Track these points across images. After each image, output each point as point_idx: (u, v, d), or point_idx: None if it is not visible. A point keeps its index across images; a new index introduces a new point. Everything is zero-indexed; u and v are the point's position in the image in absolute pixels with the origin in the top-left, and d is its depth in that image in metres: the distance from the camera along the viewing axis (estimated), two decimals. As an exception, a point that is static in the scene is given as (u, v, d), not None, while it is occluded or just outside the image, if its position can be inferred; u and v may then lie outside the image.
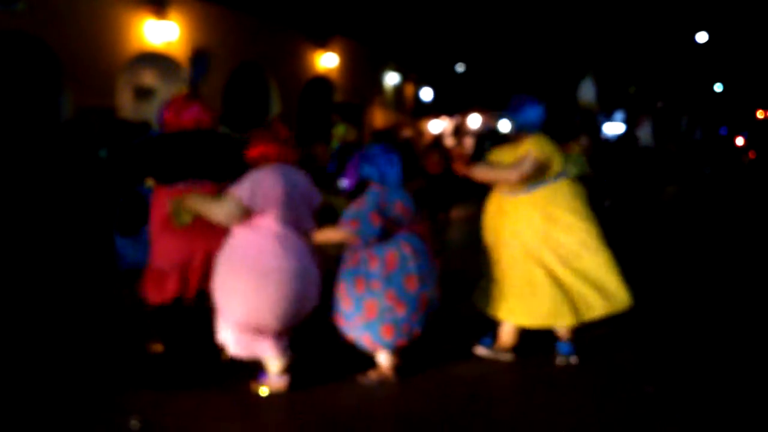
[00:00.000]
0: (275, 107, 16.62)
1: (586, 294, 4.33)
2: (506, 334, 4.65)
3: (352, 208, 4.07)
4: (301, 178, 4.13)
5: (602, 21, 20.64)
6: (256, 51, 15.79)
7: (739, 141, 23.45)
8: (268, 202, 3.84)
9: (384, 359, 4.20)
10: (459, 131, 24.64)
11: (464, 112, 24.67)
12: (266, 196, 3.84)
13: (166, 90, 14.54)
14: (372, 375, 4.24)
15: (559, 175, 4.55)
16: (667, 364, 4.56)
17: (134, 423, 3.45)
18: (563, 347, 4.57)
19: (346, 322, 4.12)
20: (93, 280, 6.09)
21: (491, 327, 4.72)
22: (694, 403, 3.85)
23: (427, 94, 23.75)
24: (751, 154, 22.24)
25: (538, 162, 4.41)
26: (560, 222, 4.39)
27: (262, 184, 3.85)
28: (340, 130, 7.12)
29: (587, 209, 4.56)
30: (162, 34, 13.14)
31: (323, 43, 18.08)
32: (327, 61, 18.15)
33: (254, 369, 4.08)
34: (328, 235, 4.11)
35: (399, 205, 4.11)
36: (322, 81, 18.42)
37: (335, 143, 7.28)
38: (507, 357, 4.65)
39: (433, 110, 24.25)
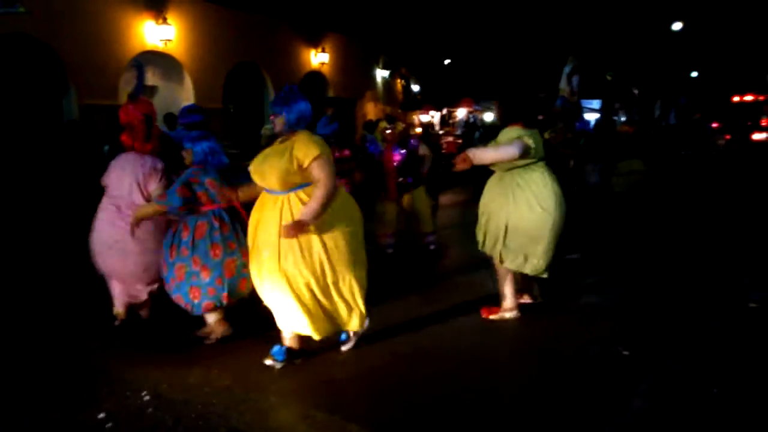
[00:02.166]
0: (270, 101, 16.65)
1: None
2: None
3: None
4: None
5: (582, 10, 20.70)
6: (252, 49, 15.78)
7: (714, 125, 23.71)
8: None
9: (210, 318, 4.48)
10: (447, 122, 24.68)
11: (452, 104, 24.71)
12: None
13: (166, 88, 14.57)
14: (199, 332, 4.53)
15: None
16: (643, 330, 4.68)
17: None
18: None
19: (166, 284, 4.41)
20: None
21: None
22: (664, 363, 4.09)
23: (415, 87, 23.78)
24: (726, 137, 22.50)
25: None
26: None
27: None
28: (382, 125, 7.79)
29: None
30: (161, 34, 13.15)
31: (316, 41, 18.09)
32: (320, 58, 18.17)
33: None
34: (145, 210, 4.43)
35: (211, 183, 4.37)
36: (316, 76, 18.44)
37: (378, 136, 8.23)
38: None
39: (422, 103, 24.28)
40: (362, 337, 4.34)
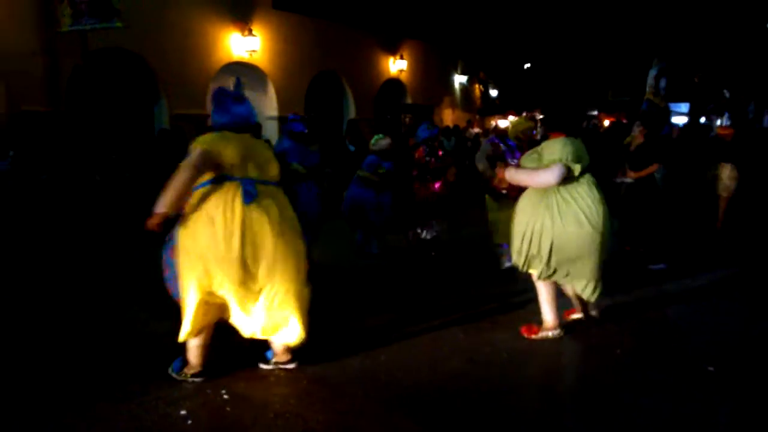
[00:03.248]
0: (350, 112, 16.84)
1: None
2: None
3: None
4: None
5: (669, 10, 19.90)
6: (332, 58, 16.02)
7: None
8: None
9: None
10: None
11: (531, 109, 24.27)
12: None
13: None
14: None
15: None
16: (729, 345, 4.43)
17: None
18: None
19: (170, 286, 3.84)
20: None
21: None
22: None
23: (493, 91, 23.49)
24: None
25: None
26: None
27: None
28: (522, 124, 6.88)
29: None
30: (246, 45, 13.53)
31: (394, 48, 18.17)
32: (398, 65, 18.25)
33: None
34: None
35: None
36: (394, 83, 18.52)
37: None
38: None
39: (503, 108, 23.95)
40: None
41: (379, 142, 7.55)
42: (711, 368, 4.03)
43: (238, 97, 3.90)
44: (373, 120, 17.12)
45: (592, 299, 4.53)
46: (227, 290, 3.64)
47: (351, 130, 12.37)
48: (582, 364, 4.32)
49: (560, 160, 4.29)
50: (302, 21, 14.99)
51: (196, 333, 3.79)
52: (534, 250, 4.41)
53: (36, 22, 10.08)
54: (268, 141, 7.13)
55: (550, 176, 4.29)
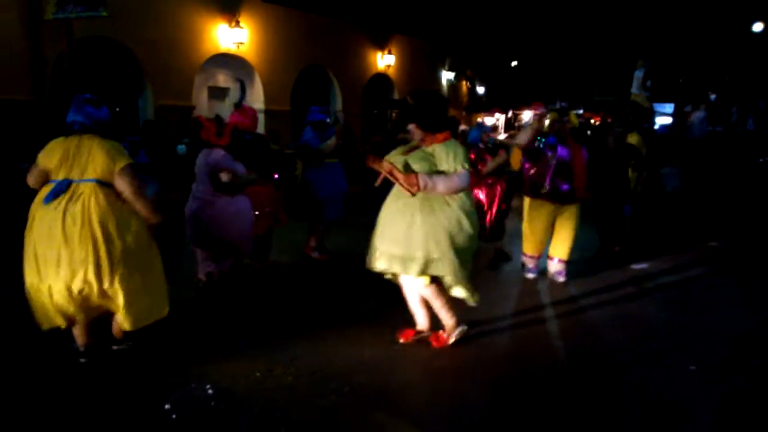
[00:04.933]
0: (338, 106, 16.82)
1: None
2: None
3: None
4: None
5: (655, 11, 20.03)
6: (320, 52, 15.96)
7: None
8: None
9: None
10: (512, 125, 24.37)
11: (518, 106, 24.39)
12: None
13: (237, 90, 14.91)
14: None
15: None
16: (709, 345, 4.49)
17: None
18: None
19: None
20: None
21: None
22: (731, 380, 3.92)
23: (480, 89, 23.56)
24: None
25: None
26: None
27: None
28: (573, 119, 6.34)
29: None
30: (234, 37, 13.45)
31: (383, 43, 18.16)
32: (386, 60, 18.24)
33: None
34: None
35: None
36: (382, 78, 18.51)
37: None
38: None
39: (489, 105, 24.05)
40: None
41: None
42: (693, 367, 4.08)
43: (90, 100, 4.05)
44: (359, 115, 17.11)
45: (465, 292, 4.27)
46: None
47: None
48: (565, 363, 4.34)
49: (464, 166, 4.01)
50: (291, 13, 14.91)
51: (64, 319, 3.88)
52: (435, 254, 4.02)
53: (20, 9, 9.95)
54: (261, 135, 7.14)
55: (464, 183, 4.01)
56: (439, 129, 4.09)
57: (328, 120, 6.77)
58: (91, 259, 3.67)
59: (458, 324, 4.38)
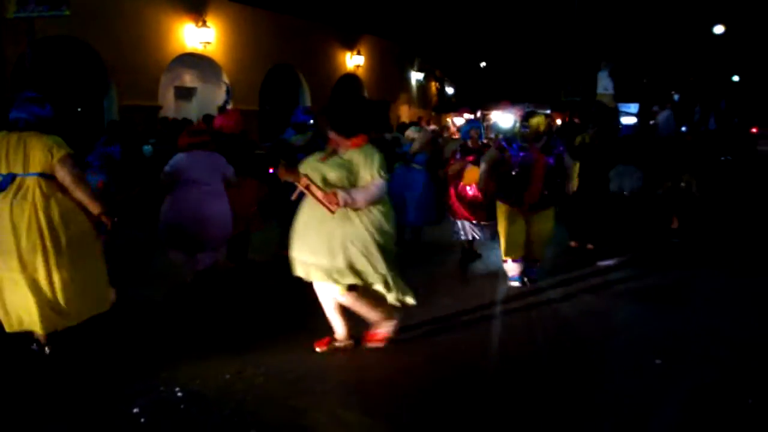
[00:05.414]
0: (306, 103, 16.76)
1: None
2: None
3: None
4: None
5: (619, 13, 20.36)
6: (288, 52, 15.90)
7: (754, 130, 23.11)
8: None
9: None
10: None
11: (486, 106, 24.56)
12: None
13: (204, 90, 14.75)
14: None
15: None
16: (678, 339, 4.58)
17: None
18: None
19: None
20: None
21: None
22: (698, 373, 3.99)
23: (449, 89, 23.68)
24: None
25: None
26: None
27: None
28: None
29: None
30: (200, 37, 13.33)
31: (352, 43, 18.15)
32: (355, 60, 18.24)
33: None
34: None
35: None
36: (351, 78, 18.50)
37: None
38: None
39: (457, 105, 24.17)
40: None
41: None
42: (658, 361, 4.15)
43: (34, 99, 4.17)
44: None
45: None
46: None
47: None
48: (534, 357, 4.38)
49: (380, 174, 3.86)
50: (258, 13, 14.83)
51: None
52: (359, 264, 3.87)
53: (-21, 8, 9.71)
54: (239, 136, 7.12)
55: (382, 192, 3.87)
56: (353, 133, 3.89)
57: (311, 122, 6.80)
58: (39, 248, 3.85)
59: (391, 317, 4.23)
